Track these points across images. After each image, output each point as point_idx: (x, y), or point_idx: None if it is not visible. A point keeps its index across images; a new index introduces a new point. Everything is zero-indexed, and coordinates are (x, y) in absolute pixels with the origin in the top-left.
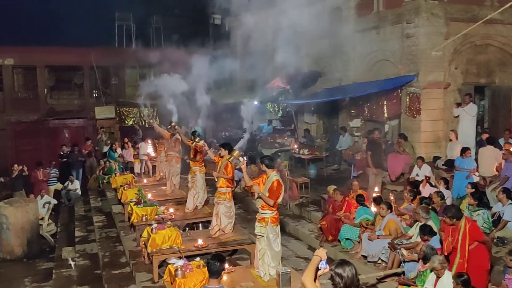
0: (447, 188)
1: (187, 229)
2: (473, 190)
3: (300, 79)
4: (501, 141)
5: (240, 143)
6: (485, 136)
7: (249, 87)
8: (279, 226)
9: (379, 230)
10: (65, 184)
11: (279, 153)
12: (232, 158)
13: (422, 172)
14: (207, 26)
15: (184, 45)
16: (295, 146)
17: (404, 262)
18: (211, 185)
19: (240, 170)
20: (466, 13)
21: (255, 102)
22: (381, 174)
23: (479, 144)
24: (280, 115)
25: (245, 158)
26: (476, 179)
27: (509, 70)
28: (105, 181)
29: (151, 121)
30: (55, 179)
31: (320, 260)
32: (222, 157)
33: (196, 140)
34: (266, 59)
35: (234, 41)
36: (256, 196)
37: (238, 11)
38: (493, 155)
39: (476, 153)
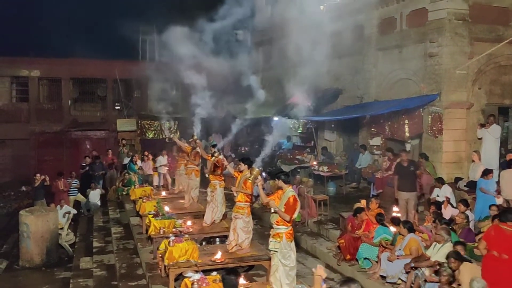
0: (468, 209)
1: (204, 243)
2: (500, 211)
3: (320, 95)
4: None
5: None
6: (509, 156)
7: (270, 103)
8: (293, 242)
9: (399, 250)
10: (86, 192)
11: (299, 170)
12: (252, 176)
13: (442, 193)
14: (230, 41)
15: (206, 59)
16: (315, 163)
17: (425, 282)
18: (229, 200)
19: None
20: (490, 33)
21: (276, 118)
22: (413, 197)
23: (503, 166)
24: (300, 131)
25: (264, 175)
26: (499, 201)
27: None
28: (124, 193)
29: (171, 135)
30: (76, 189)
31: (322, 279)
32: (241, 171)
33: (216, 154)
34: (287, 75)
35: (256, 57)
36: (272, 211)
37: (260, 27)
38: None
39: (499, 175)
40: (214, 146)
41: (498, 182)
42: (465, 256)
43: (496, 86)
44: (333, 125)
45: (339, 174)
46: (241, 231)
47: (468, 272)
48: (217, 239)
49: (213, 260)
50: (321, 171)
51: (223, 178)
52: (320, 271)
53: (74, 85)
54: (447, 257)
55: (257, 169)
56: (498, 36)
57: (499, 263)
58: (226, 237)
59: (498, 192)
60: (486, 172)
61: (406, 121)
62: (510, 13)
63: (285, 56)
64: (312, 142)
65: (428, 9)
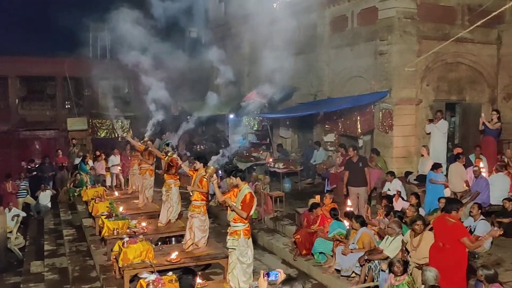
0: (419, 202)
1: (159, 243)
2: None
3: (275, 93)
4: (472, 157)
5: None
6: (458, 150)
7: (226, 101)
8: (251, 239)
9: (353, 243)
10: (36, 194)
11: (255, 167)
12: (207, 174)
13: (393, 186)
14: (183, 39)
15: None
16: (270, 160)
17: (379, 273)
18: (185, 199)
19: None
20: (437, 31)
21: (231, 116)
22: (363, 192)
23: (450, 160)
24: (255, 129)
25: (220, 174)
26: (447, 193)
27: (479, 88)
28: (76, 194)
29: (124, 134)
30: (25, 191)
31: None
32: (196, 170)
33: (169, 154)
34: (242, 73)
35: (210, 55)
36: (229, 209)
37: (214, 25)
38: (462, 171)
39: (447, 169)
40: (167, 145)
41: (446, 176)
42: None
43: (443, 83)
44: (288, 122)
45: (295, 170)
46: (197, 230)
47: (430, 240)
48: (173, 239)
49: (169, 260)
50: (276, 168)
51: (178, 177)
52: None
53: (21, 83)
54: (413, 222)
55: (212, 167)
56: (445, 35)
57: (443, 252)
58: (182, 236)
59: (446, 186)
60: (436, 166)
61: (358, 118)
62: (456, 12)
63: (239, 53)
64: (268, 140)
65: (378, 7)
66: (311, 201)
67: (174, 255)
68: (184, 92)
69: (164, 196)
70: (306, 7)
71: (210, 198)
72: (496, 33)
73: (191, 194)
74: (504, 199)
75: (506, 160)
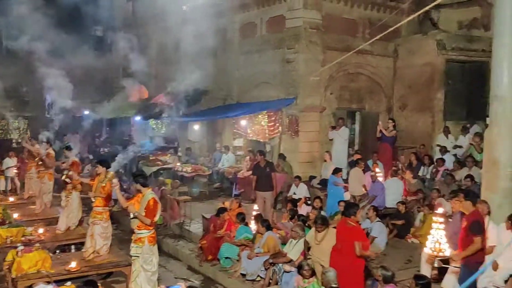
0: (321, 206)
1: (57, 251)
2: (345, 207)
3: (184, 96)
4: (370, 162)
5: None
6: (356, 156)
7: (133, 103)
8: (156, 245)
9: (258, 247)
10: None
11: (161, 171)
12: (106, 179)
13: (299, 190)
14: (88, 37)
15: (61, 55)
16: (178, 164)
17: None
18: (86, 204)
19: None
20: (340, 42)
21: (137, 118)
22: (269, 196)
23: (350, 165)
24: (163, 132)
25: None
26: (347, 197)
27: (377, 98)
28: None
29: (20, 140)
30: None
31: None
32: (98, 174)
33: (69, 173)
34: (150, 75)
35: (116, 55)
36: (131, 216)
37: (121, 24)
38: (361, 175)
39: (348, 174)
40: (67, 148)
41: (347, 180)
42: None
43: (345, 92)
44: (197, 126)
45: (203, 174)
46: (99, 237)
47: (334, 237)
48: (73, 247)
49: (68, 269)
50: (184, 172)
51: (79, 181)
52: None
53: None
54: (315, 221)
55: (111, 173)
56: (347, 46)
57: (341, 254)
58: (82, 244)
59: (347, 189)
60: (337, 171)
61: (267, 123)
62: (358, 25)
63: (147, 55)
64: (176, 143)
65: (286, 16)
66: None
67: (73, 264)
68: (89, 93)
69: (64, 201)
70: (217, 12)
71: (113, 204)
72: (393, 47)
73: (93, 200)
74: (398, 202)
75: (400, 165)
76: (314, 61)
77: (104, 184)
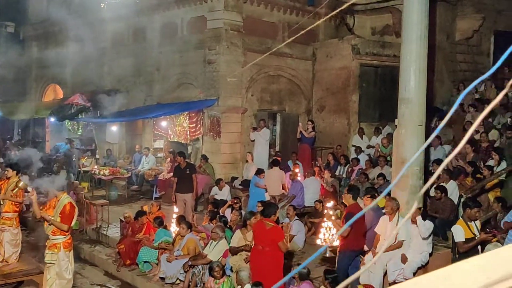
0: (241, 206)
1: None
2: (263, 208)
3: (102, 97)
4: (290, 163)
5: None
6: (274, 158)
7: (47, 103)
8: (72, 251)
9: (178, 250)
10: None
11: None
12: (16, 190)
13: (222, 192)
14: None
15: None
16: (95, 167)
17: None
18: None
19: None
20: (261, 45)
21: (51, 119)
22: (190, 198)
23: (271, 165)
24: (80, 133)
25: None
26: (267, 197)
27: (296, 99)
28: None
29: None
30: None
31: None
32: (9, 178)
33: None
34: (64, 73)
35: (28, 52)
36: (47, 223)
37: (34, 21)
38: (278, 176)
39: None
40: None
41: None
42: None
43: (266, 94)
44: (115, 127)
45: (121, 177)
46: (8, 245)
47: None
48: None
49: None
50: (102, 175)
51: None
52: None
53: None
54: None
55: (23, 182)
56: (267, 48)
57: (262, 255)
58: None
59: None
60: (259, 171)
61: (188, 124)
62: (277, 28)
63: (62, 53)
64: (94, 145)
65: (207, 17)
66: (128, 212)
67: None
68: None
69: None
70: (135, 10)
71: (25, 209)
72: (311, 50)
73: (1, 203)
74: (316, 201)
75: (318, 165)
76: (235, 62)
77: (15, 192)
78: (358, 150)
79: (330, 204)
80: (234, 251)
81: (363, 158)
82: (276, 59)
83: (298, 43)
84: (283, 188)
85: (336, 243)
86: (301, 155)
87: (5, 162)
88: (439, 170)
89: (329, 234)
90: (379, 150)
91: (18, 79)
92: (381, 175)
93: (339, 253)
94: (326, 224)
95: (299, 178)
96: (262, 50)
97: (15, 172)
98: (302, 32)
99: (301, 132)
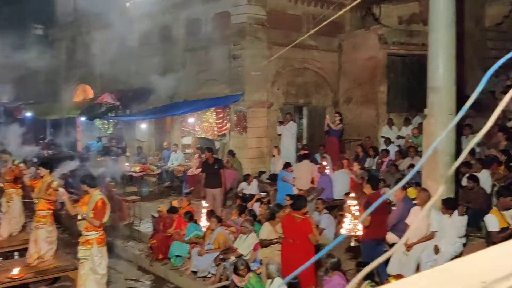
0: (269, 200)
1: (0, 259)
2: (292, 201)
3: (130, 95)
4: (318, 156)
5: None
6: (303, 152)
7: (77, 103)
8: (105, 247)
9: (209, 244)
10: None
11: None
12: (50, 190)
13: (251, 187)
14: (28, 36)
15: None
16: (126, 164)
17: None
18: (29, 209)
19: None
20: (285, 38)
21: (82, 119)
22: (219, 193)
23: (299, 159)
24: (110, 132)
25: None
26: (294, 191)
27: (323, 92)
28: None
29: None
30: None
31: None
32: (42, 177)
33: (15, 162)
34: (94, 74)
35: (58, 54)
36: (79, 217)
37: (63, 22)
38: (308, 169)
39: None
40: (4, 151)
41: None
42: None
43: (292, 87)
44: (144, 125)
45: (152, 174)
46: (43, 242)
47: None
48: (16, 253)
49: (10, 277)
50: (133, 172)
51: (20, 185)
52: None
53: None
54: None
55: (56, 182)
56: (292, 41)
57: (293, 248)
58: (26, 250)
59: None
60: (286, 165)
61: (215, 120)
62: (302, 21)
63: (90, 53)
64: (124, 143)
65: (231, 12)
66: (162, 207)
67: (16, 270)
68: (30, 94)
69: (5, 207)
70: (160, 9)
71: (60, 207)
72: (337, 42)
73: (36, 202)
74: (345, 193)
75: (346, 157)
76: (259, 56)
77: (49, 192)
78: (388, 141)
79: (352, 194)
80: (265, 244)
81: (392, 149)
82: (302, 51)
83: (323, 35)
84: (312, 182)
85: (360, 233)
86: (329, 147)
87: (38, 161)
88: (461, 157)
89: (353, 225)
90: (410, 140)
91: (48, 81)
92: (411, 165)
93: (361, 243)
94: (350, 214)
95: (327, 171)
96: (287, 43)
97: (47, 171)
98: (327, 21)
99: (328, 125)
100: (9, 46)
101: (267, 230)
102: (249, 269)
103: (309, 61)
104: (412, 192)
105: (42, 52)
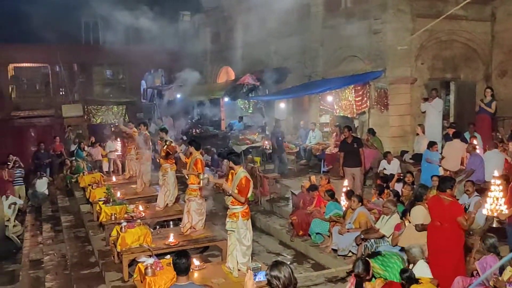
0: (413, 181)
1: (157, 227)
2: (439, 181)
3: (269, 75)
4: (467, 135)
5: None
6: (451, 130)
7: (221, 84)
8: (250, 220)
9: (349, 223)
10: (33, 181)
11: (250, 150)
12: (201, 182)
13: (391, 166)
14: (176, 23)
15: (153, 42)
16: (266, 143)
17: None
18: (182, 182)
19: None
20: (431, 9)
21: (225, 99)
22: (358, 172)
23: (445, 138)
24: (250, 111)
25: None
26: (441, 172)
27: (473, 66)
28: (73, 181)
29: (116, 122)
30: (21, 179)
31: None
32: (191, 154)
33: (167, 142)
34: (235, 56)
35: (203, 38)
36: (226, 193)
37: (207, 8)
38: (459, 149)
39: (442, 147)
40: (162, 130)
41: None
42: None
43: (438, 61)
44: (283, 105)
45: (290, 152)
46: (194, 213)
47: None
48: (171, 223)
49: (167, 244)
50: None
51: (174, 161)
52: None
53: (15, 70)
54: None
55: (207, 175)
56: (439, 12)
57: (441, 231)
58: (180, 220)
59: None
60: (431, 144)
61: (354, 98)
62: None
63: (232, 37)
64: (263, 122)
65: None
66: (305, 182)
67: (172, 238)
68: (177, 77)
69: (161, 180)
70: None
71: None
72: (490, 10)
73: (187, 178)
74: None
75: (500, 136)
76: (403, 30)
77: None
78: None
79: (496, 173)
80: (421, 229)
81: None
82: (449, 22)
83: (473, 3)
84: (461, 163)
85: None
86: (480, 126)
87: (187, 139)
88: None
89: (496, 205)
90: None
91: (196, 64)
92: None
93: (508, 226)
94: (493, 194)
95: (477, 151)
96: (432, 15)
97: (193, 147)
98: None
99: (480, 106)
100: (163, 34)
101: (423, 214)
102: (372, 276)
103: (457, 32)
104: None
105: (189, 38)
